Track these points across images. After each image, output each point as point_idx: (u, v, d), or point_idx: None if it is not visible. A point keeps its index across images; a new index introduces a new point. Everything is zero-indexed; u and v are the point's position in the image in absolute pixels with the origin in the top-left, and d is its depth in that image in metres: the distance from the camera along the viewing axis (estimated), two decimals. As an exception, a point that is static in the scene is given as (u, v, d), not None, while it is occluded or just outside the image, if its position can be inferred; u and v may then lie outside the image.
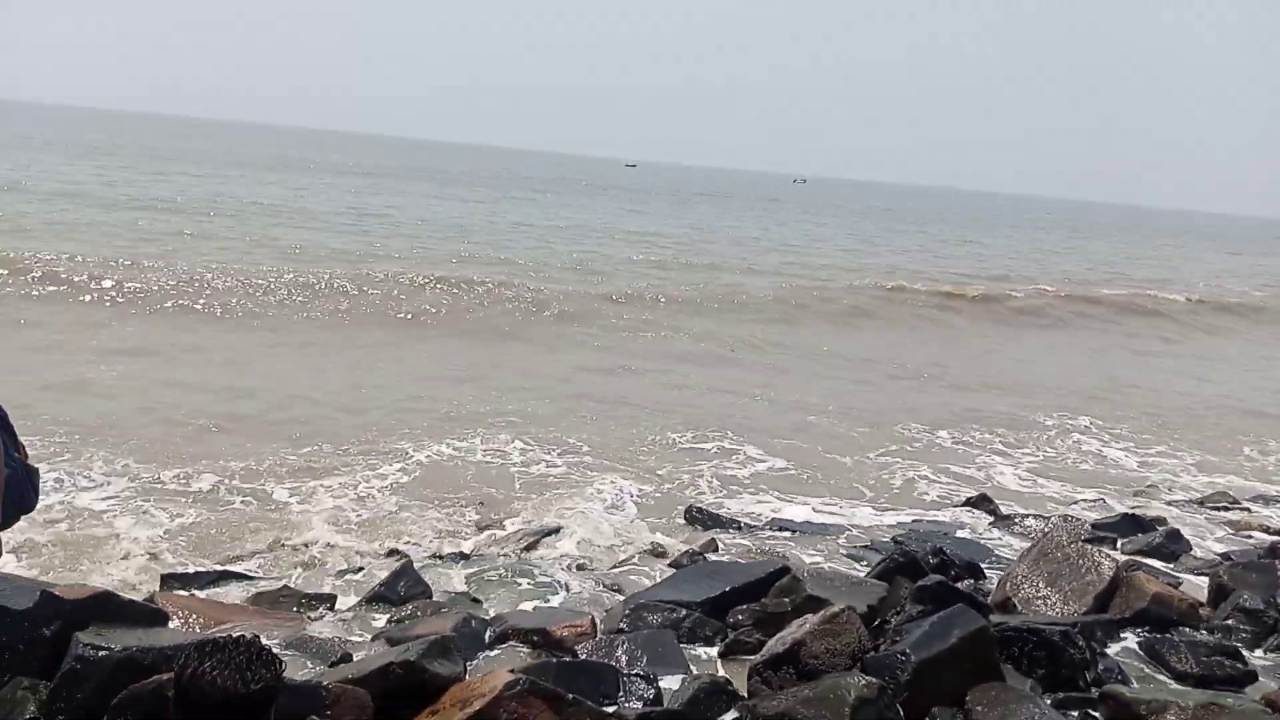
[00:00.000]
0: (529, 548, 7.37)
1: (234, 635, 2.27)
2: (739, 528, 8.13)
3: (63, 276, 16.01)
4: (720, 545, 7.52)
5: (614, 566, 7.10)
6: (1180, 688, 4.99)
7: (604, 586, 6.59)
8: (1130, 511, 8.84)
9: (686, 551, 7.26)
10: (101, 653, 4.19)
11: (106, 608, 4.56)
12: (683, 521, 8.27)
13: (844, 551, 7.53)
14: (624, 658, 4.97)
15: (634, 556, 7.32)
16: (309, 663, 4.68)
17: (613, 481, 9.27)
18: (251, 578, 6.47)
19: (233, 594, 6.12)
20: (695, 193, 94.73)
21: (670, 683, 4.83)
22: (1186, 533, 8.14)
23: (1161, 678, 5.23)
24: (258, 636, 2.27)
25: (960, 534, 8.13)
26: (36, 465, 3.81)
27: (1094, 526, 8.10)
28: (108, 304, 15.10)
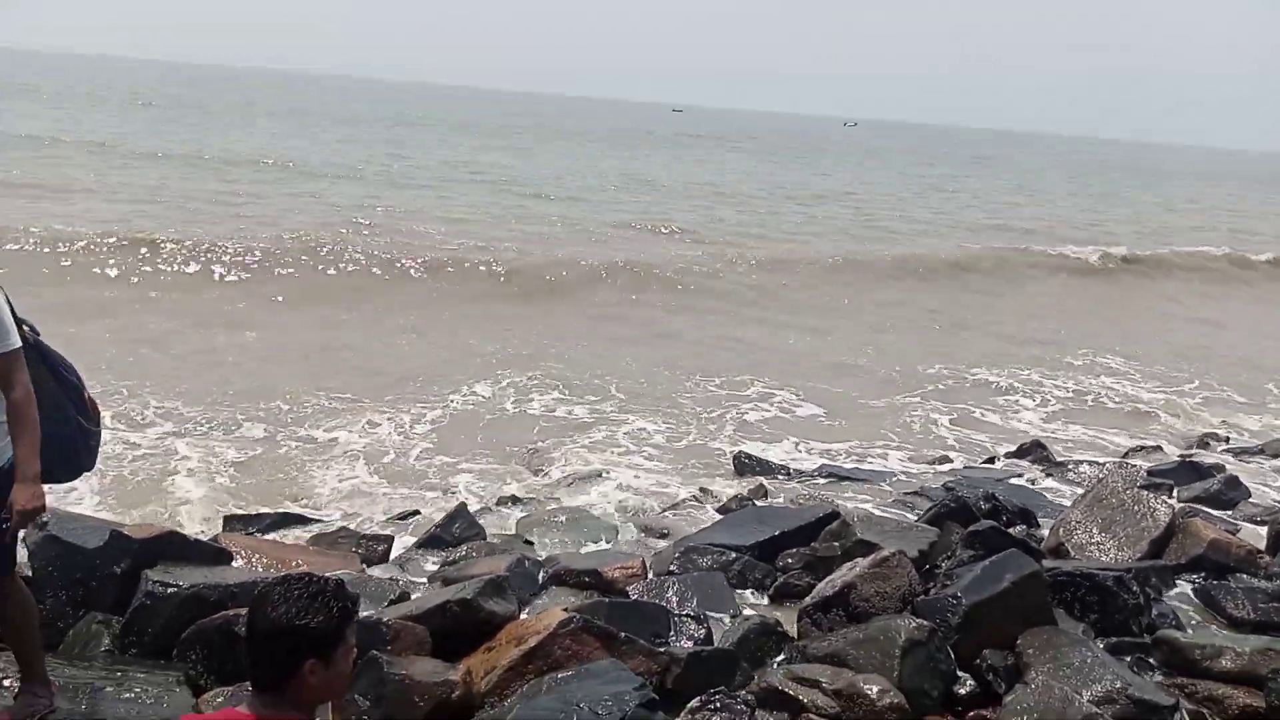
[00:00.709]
0: (579, 492, 7.45)
1: (295, 573, 2.28)
2: (787, 473, 8.13)
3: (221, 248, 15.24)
4: (769, 490, 7.54)
5: (663, 511, 7.16)
6: (1236, 634, 4.94)
7: (653, 530, 6.65)
8: (1188, 458, 8.70)
9: (735, 496, 7.29)
10: (170, 589, 4.35)
11: (173, 546, 4.72)
12: (731, 467, 8.29)
13: (893, 497, 7.51)
14: (675, 598, 5.04)
15: (682, 501, 7.37)
16: (368, 601, 4.78)
17: (660, 427, 9.32)
18: (310, 519, 6.62)
19: (293, 535, 6.28)
20: (765, 138, 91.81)
21: (720, 623, 4.89)
22: (1245, 480, 8.00)
23: (1218, 626, 5.19)
24: (325, 578, 2.29)
25: (1013, 480, 8.07)
26: (100, 429, 3.84)
27: (1150, 473, 7.99)
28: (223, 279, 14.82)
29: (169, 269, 14.48)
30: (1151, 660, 4.66)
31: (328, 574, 2.35)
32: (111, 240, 15.04)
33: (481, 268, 16.26)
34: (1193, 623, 5.17)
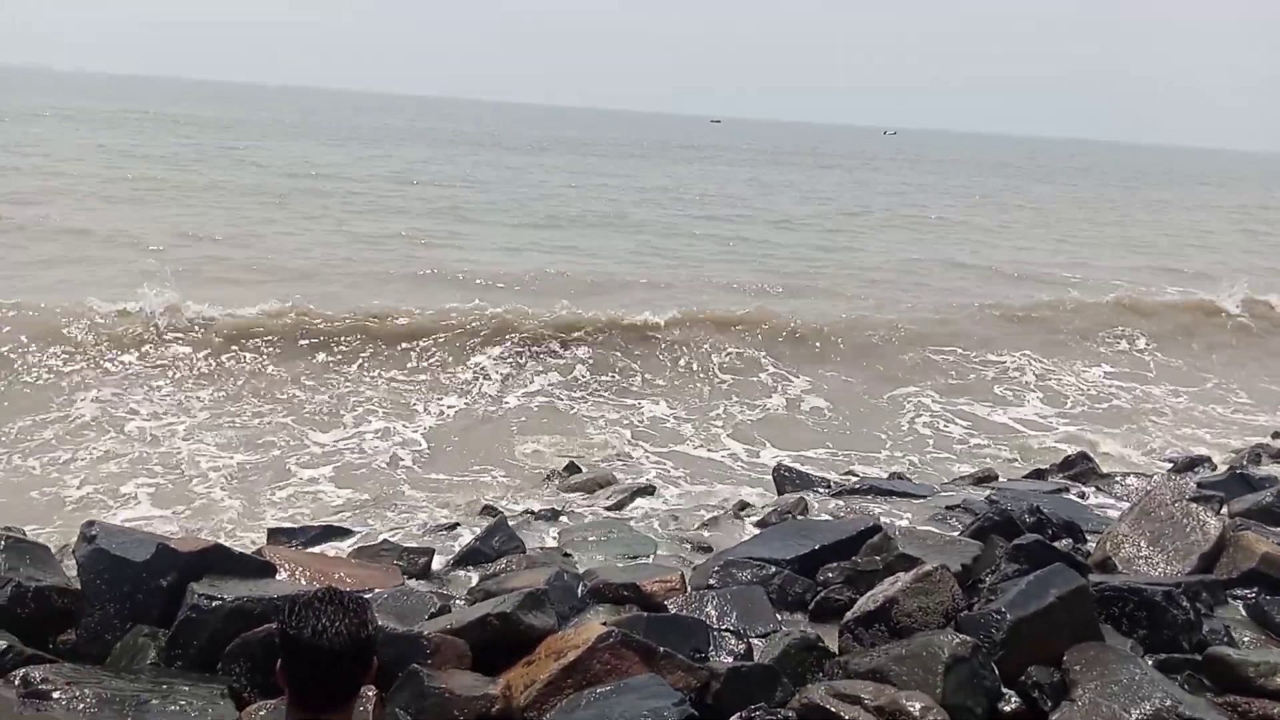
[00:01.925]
0: (618, 505, 7.44)
1: (315, 593, 2.28)
2: (827, 487, 8.06)
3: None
4: (809, 504, 7.47)
5: (702, 525, 7.12)
6: (1292, 651, 4.82)
7: (692, 544, 6.63)
8: (1239, 469, 8.50)
9: (775, 510, 7.23)
10: (215, 603, 4.40)
11: (218, 560, 4.78)
12: (770, 480, 8.25)
13: (936, 511, 7.41)
14: (714, 613, 5.01)
15: (721, 514, 7.33)
16: (409, 614, 4.81)
17: (703, 442, 9.30)
18: (352, 532, 6.68)
19: (336, 548, 6.34)
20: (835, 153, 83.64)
21: (760, 638, 4.85)
22: (1300, 492, 7.78)
23: (1272, 643, 5.05)
24: (335, 589, 2.30)
25: (1058, 494, 7.92)
26: None
27: (1199, 485, 7.81)
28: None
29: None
30: (1202, 678, 4.55)
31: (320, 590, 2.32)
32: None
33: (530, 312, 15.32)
34: (1245, 640, 5.04)
